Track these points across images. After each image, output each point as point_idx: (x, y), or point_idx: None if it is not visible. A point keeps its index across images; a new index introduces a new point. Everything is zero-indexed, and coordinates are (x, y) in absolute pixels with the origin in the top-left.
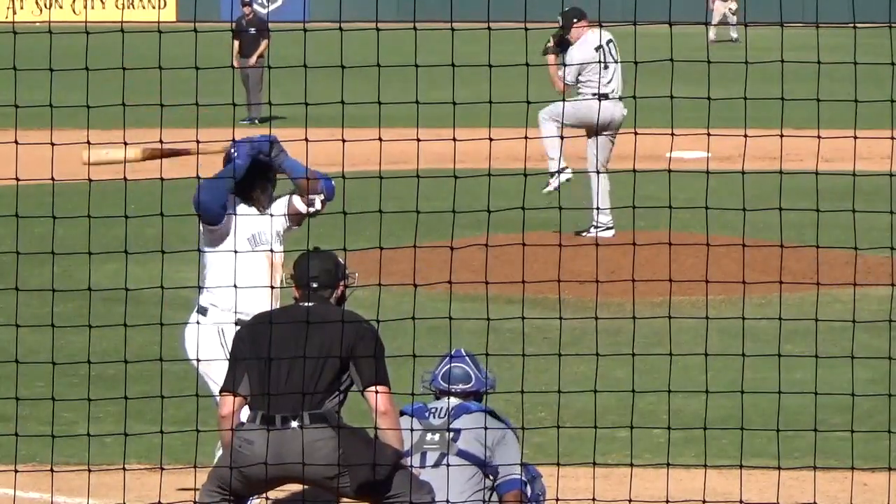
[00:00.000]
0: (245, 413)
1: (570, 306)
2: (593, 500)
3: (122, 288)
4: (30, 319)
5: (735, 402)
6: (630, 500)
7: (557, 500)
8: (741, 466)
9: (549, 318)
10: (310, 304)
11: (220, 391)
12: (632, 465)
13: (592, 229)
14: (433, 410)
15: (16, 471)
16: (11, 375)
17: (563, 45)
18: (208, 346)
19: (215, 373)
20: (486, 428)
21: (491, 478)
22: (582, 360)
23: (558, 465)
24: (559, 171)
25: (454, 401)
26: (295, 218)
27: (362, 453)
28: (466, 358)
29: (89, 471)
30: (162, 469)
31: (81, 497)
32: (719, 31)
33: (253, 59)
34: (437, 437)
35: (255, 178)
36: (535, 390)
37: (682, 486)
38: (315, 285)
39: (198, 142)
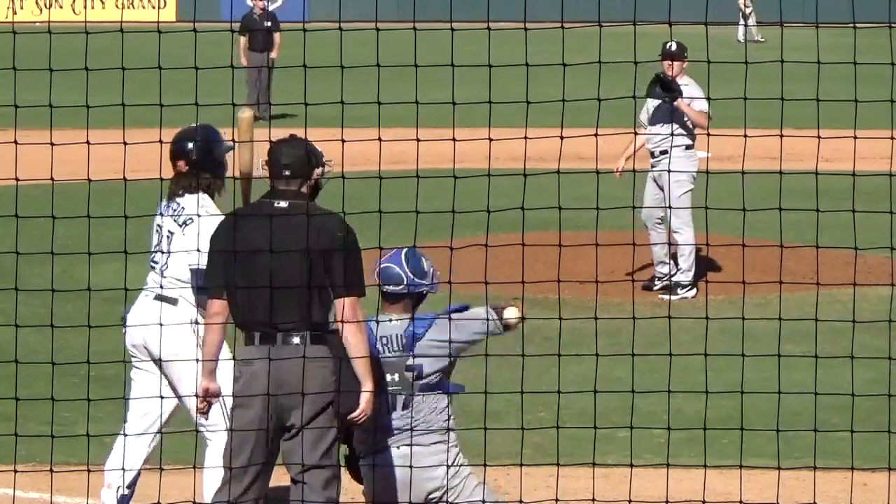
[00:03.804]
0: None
1: (570, 306)
2: (593, 500)
3: (122, 288)
4: (30, 319)
5: (735, 402)
6: (630, 500)
7: (557, 500)
8: (741, 466)
9: (549, 319)
10: (283, 204)
11: (203, 288)
12: (632, 465)
13: (679, 290)
14: (384, 341)
15: (15, 471)
16: (11, 375)
17: (665, 85)
18: (184, 342)
19: (190, 374)
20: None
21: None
22: (582, 360)
23: (558, 465)
24: (691, 286)
25: (398, 324)
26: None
27: (354, 382)
28: (404, 256)
29: (89, 471)
30: (162, 469)
31: (81, 497)
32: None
33: (275, 53)
34: (396, 377)
35: (201, 167)
36: (535, 390)
37: (682, 486)
38: (287, 173)
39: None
